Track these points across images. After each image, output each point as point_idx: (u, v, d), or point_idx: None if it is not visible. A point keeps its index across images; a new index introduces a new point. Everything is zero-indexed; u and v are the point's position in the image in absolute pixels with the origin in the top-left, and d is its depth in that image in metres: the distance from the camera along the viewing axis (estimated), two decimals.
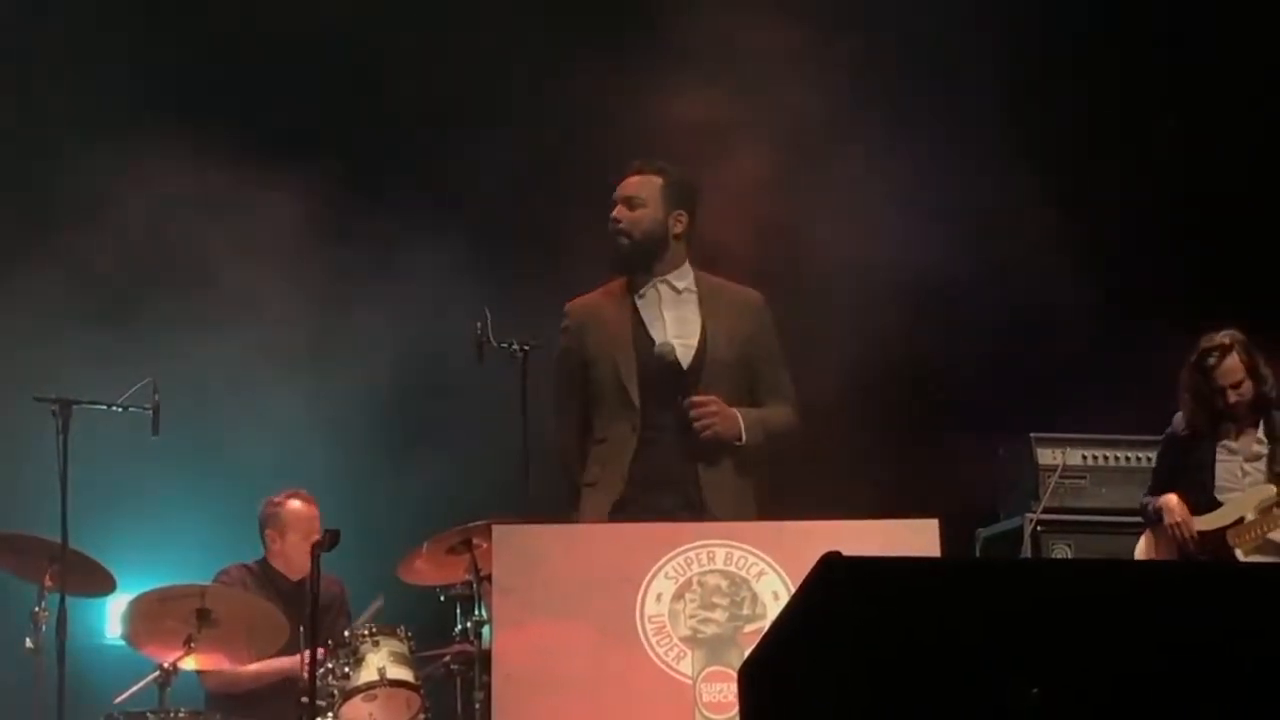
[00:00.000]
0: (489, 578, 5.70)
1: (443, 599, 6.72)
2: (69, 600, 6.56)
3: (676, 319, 5.71)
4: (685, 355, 5.66)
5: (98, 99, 8.06)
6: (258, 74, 8.35)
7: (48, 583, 6.54)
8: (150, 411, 6.73)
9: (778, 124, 7.60)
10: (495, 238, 8.34)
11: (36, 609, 6.56)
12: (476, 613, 6.39)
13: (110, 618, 7.88)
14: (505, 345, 5.99)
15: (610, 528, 5.48)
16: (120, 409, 6.74)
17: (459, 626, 6.54)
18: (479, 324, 6.00)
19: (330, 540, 7.12)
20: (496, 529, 5.41)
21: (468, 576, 6.43)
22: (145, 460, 7.70)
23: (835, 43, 7.78)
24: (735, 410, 5.60)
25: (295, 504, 7.23)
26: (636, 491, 5.58)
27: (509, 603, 5.18)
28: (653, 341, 5.66)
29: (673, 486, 5.57)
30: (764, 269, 6.56)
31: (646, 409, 5.61)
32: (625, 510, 5.57)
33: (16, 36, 8.02)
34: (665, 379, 5.62)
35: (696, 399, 5.56)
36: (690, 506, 5.53)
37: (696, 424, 5.55)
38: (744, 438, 5.59)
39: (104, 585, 6.78)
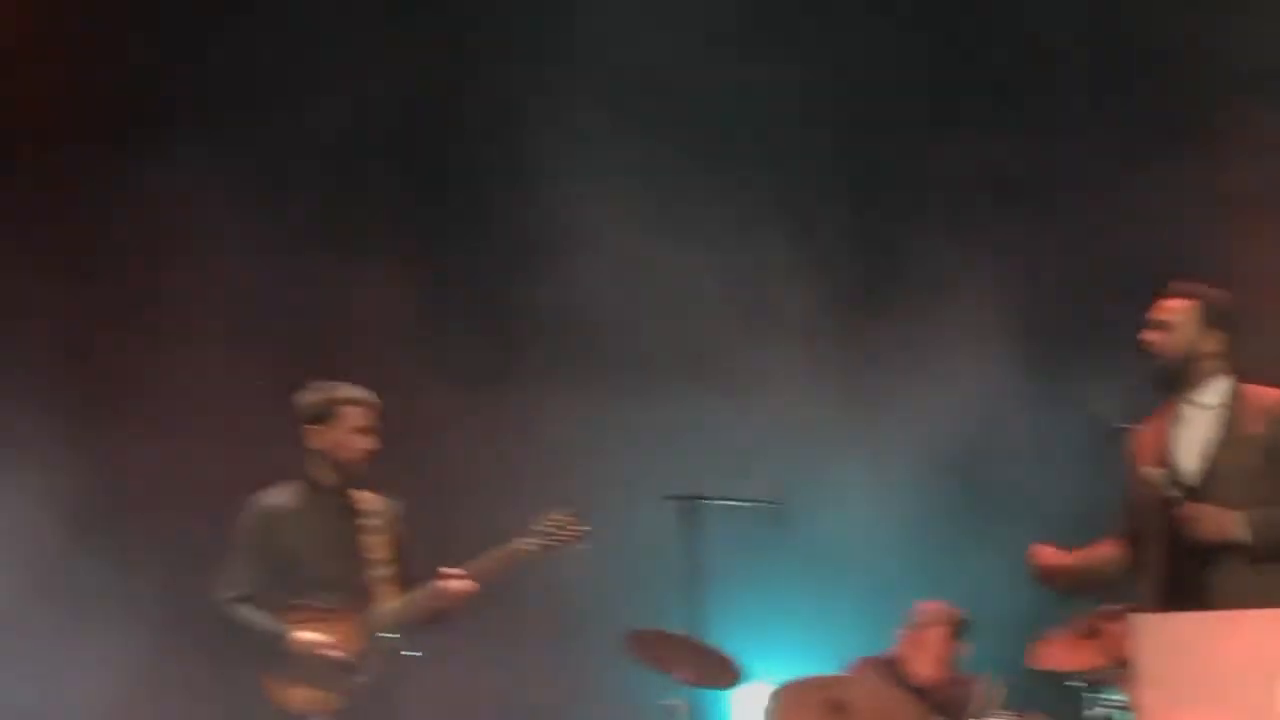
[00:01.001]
0: (1120, 663, 5.68)
1: (1067, 684, 6.67)
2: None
3: (1188, 437, 5.73)
4: (1191, 470, 5.66)
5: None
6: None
7: (681, 675, 6.81)
8: (770, 505, 6.95)
9: None
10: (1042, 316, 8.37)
11: (669, 701, 6.84)
12: (1109, 698, 6.33)
13: (732, 708, 8.12)
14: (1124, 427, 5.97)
15: (1250, 614, 5.38)
16: (745, 504, 6.99)
17: (1090, 712, 6.48)
18: (1099, 410, 6.03)
19: (959, 628, 7.22)
20: (1138, 617, 5.37)
21: (1100, 662, 6.37)
22: (741, 549, 7.93)
23: None
24: (1235, 511, 5.54)
25: (932, 625, 7.32)
26: (1161, 600, 5.60)
27: (1156, 695, 5.12)
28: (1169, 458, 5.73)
29: (1185, 593, 5.55)
30: None
31: (1162, 520, 5.63)
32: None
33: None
34: (1170, 494, 5.65)
35: (1180, 510, 5.57)
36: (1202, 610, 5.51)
37: (1184, 532, 5.55)
38: (1244, 535, 5.52)
39: (730, 677, 7.00)
